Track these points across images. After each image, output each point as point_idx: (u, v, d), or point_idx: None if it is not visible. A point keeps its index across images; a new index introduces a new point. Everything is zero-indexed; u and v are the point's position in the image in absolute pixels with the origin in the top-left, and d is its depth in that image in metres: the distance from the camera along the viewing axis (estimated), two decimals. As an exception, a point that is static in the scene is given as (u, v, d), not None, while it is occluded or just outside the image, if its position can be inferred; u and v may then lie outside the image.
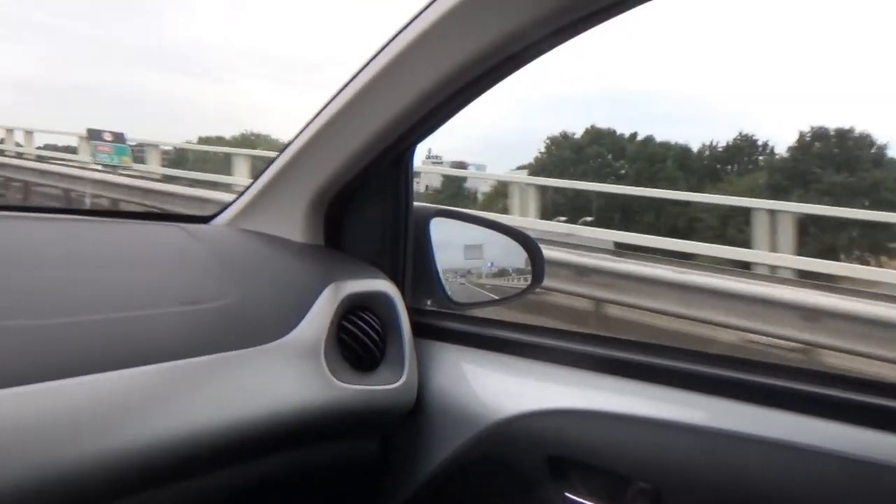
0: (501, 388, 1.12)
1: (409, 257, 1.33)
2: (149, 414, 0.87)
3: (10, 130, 18.27)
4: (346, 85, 1.17)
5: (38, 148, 17.52)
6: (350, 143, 1.19)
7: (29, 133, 17.64)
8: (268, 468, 1.04)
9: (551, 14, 0.95)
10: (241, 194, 1.43)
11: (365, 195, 1.31)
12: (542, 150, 34.58)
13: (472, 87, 1.08)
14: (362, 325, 1.14)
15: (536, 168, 30.89)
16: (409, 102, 1.11)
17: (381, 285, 1.20)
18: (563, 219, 15.31)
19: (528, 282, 1.53)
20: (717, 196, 16.76)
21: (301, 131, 1.26)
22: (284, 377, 1.02)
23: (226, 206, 1.46)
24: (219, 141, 28.32)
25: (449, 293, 1.42)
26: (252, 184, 1.41)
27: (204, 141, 27.00)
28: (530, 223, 10.11)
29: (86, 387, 0.83)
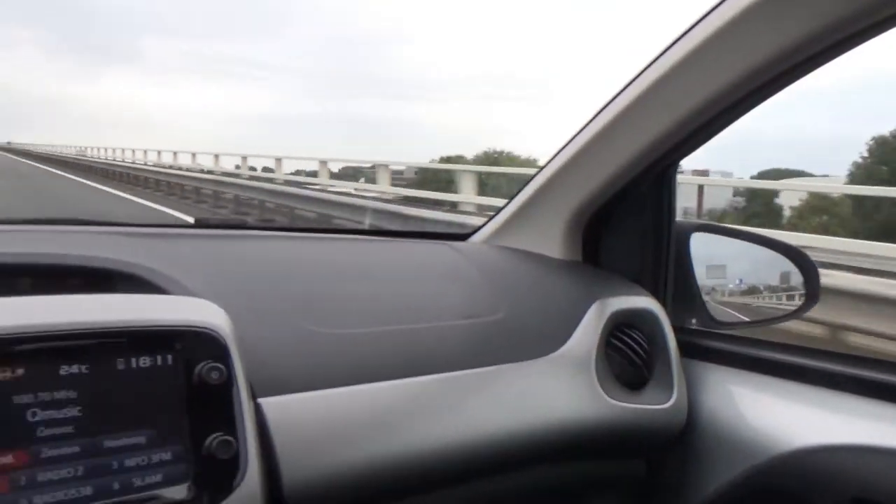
0: (784, 417, 1.04)
1: (670, 274, 1.29)
2: (437, 419, 0.93)
3: (244, 158, 20.54)
4: (608, 103, 1.17)
5: (288, 174, 19.02)
6: (613, 161, 1.19)
7: (278, 160, 19.32)
8: (534, 480, 1.06)
9: (830, 27, 0.88)
10: (497, 212, 1.48)
11: (625, 211, 1.30)
12: (866, 154, 27.69)
13: (742, 102, 1.04)
14: (629, 342, 1.12)
15: (862, 176, 25.03)
16: (677, 120, 1.08)
17: (646, 302, 1.18)
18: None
19: (801, 301, 1.41)
20: None
21: (561, 150, 1.28)
22: (557, 390, 1.04)
23: (482, 224, 1.52)
24: (459, 159, 27.26)
25: (711, 312, 1.36)
26: (509, 202, 1.46)
27: (445, 160, 26.24)
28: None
29: (386, 391, 0.90)
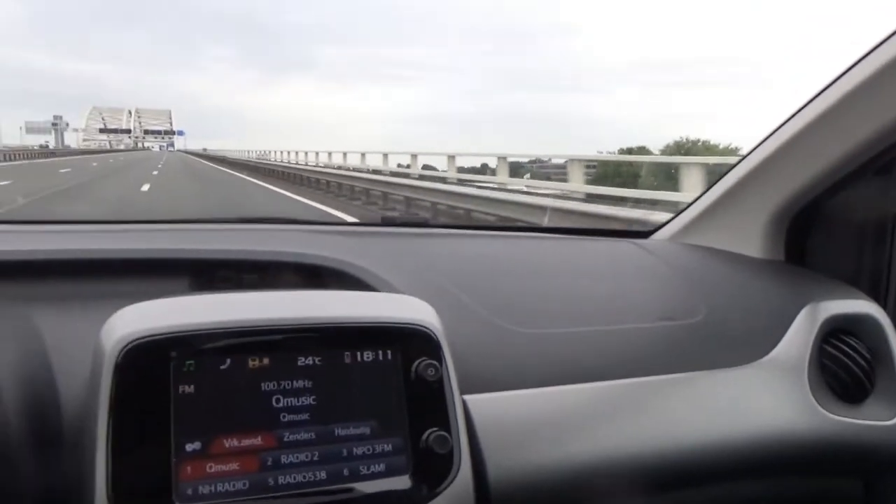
0: None
1: (893, 274, 1.17)
2: (636, 423, 0.90)
3: (414, 156, 19.80)
4: (824, 90, 1.07)
5: (460, 170, 17.72)
6: (828, 151, 1.09)
7: (451, 157, 17.88)
8: (738, 494, 0.99)
9: None
10: (685, 208, 1.42)
11: (840, 206, 1.19)
12: None
13: None
14: (847, 349, 1.02)
15: None
16: None
17: (866, 307, 1.07)
18: None
19: None
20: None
21: (766, 139, 1.18)
22: (764, 400, 0.97)
23: (666, 221, 1.46)
24: (641, 151, 24.01)
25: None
26: (699, 197, 1.38)
27: (625, 152, 23.07)
28: None
29: (586, 393, 0.89)
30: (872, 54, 1.00)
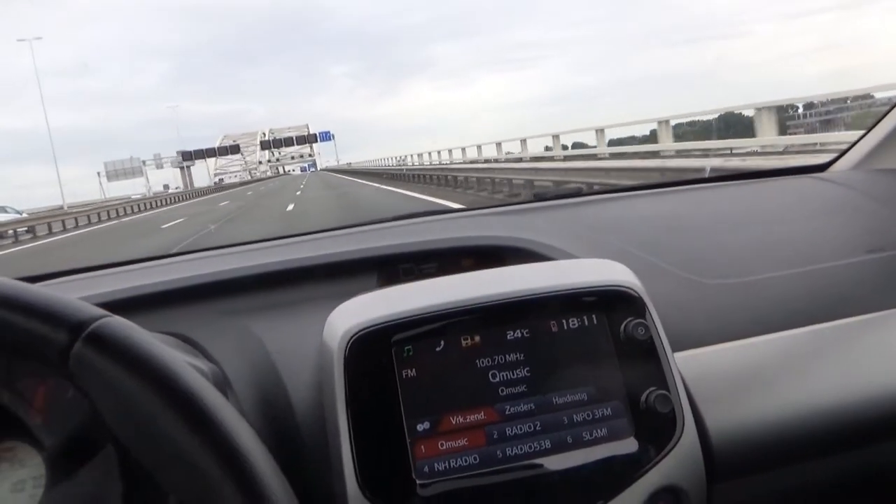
0: None
1: None
2: (856, 366, 0.84)
3: (556, 136, 18.75)
4: None
5: (611, 142, 16.15)
6: None
7: (600, 131, 16.51)
8: None
9: None
10: (864, 135, 1.32)
11: None
12: None
13: None
14: None
15: None
16: None
17: None
18: None
19: None
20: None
21: None
22: None
23: (842, 152, 1.37)
24: None
25: None
26: (879, 121, 1.29)
27: None
28: None
29: (795, 339, 0.85)
30: None
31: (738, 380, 0.82)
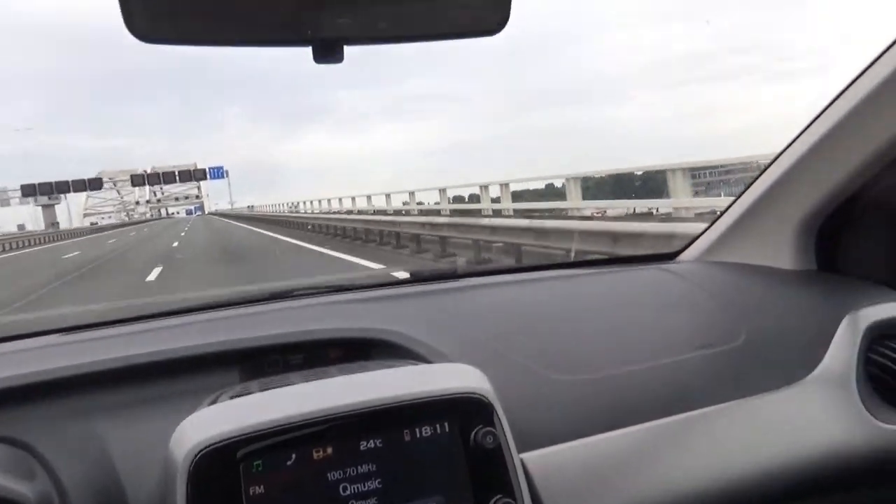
0: None
1: None
2: (691, 459, 0.90)
3: (443, 190, 18.61)
4: (838, 96, 1.07)
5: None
6: (852, 156, 1.09)
7: (483, 187, 16.59)
8: None
9: None
10: (710, 226, 1.41)
11: (867, 209, 1.19)
12: None
13: None
14: (893, 355, 1.02)
15: None
16: None
17: None
18: None
19: None
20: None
21: (786, 149, 1.18)
22: (817, 418, 0.97)
23: (691, 240, 1.46)
24: None
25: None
26: (723, 214, 1.38)
27: None
28: None
29: (635, 436, 0.90)
30: (891, 51, 1.00)
31: (584, 477, 0.85)
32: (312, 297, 1.21)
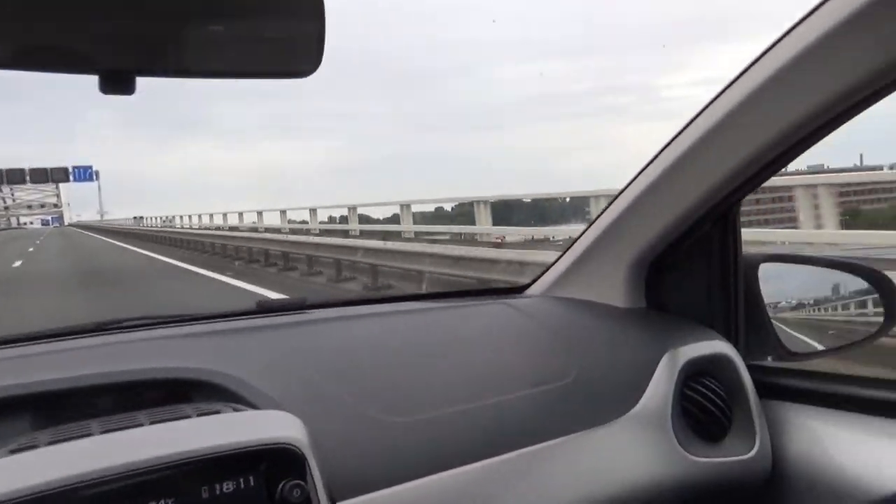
0: (878, 457, 0.99)
1: (741, 312, 1.25)
2: (517, 499, 0.91)
3: (353, 208, 18.84)
4: (669, 143, 1.14)
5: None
6: (678, 201, 1.16)
7: (353, 209, 17.45)
8: None
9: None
10: (556, 261, 1.46)
11: (689, 252, 1.27)
12: None
13: (815, 134, 1.01)
14: (705, 391, 1.09)
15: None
16: (748, 156, 1.05)
17: (718, 346, 1.14)
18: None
19: (878, 322, 1.36)
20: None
21: (622, 192, 1.25)
22: (635, 453, 1.01)
23: (540, 273, 1.50)
24: None
25: (785, 344, 1.32)
26: (569, 249, 1.42)
27: None
28: None
29: (463, 477, 0.89)
30: (700, 117, 1.08)
31: None
32: (139, 331, 1.11)
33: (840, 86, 0.91)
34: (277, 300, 1.37)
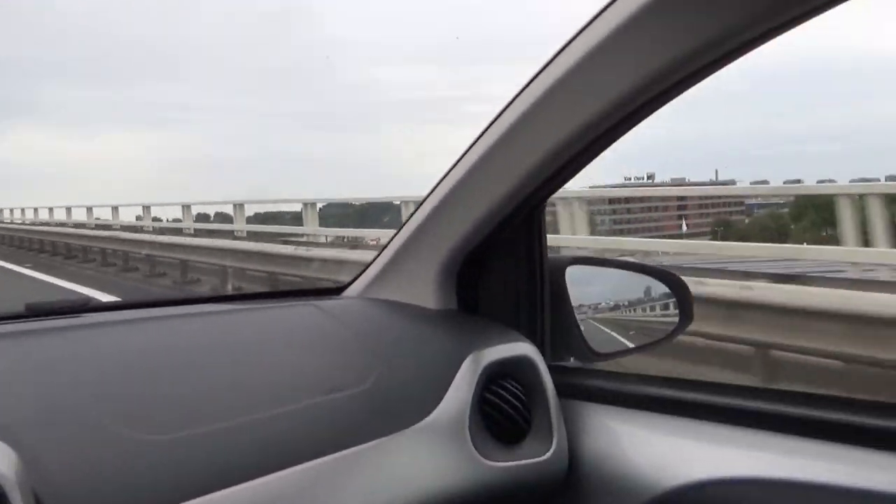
0: (666, 453, 1.03)
1: (546, 313, 1.27)
2: None
3: (187, 207, 18.79)
4: (473, 144, 1.13)
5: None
6: (482, 202, 1.15)
7: (187, 207, 17.86)
8: None
9: (692, 52, 0.87)
10: (372, 261, 1.42)
11: (497, 253, 1.27)
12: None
13: (611, 132, 1.03)
14: (505, 394, 1.08)
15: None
16: (545, 156, 1.06)
17: (521, 348, 1.14)
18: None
19: (675, 322, 1.43)
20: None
21: (430, 193, 1.23)
22: (430, 461, 0.98)
23: (358, 273, 1.46)
24: None
25: (590, 344, 1.36)
26: (383, 250, 1.39)
27: None
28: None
29: (240, 497, 0.82)
30: (504, 114, 1.07)
31: None
32: None
33: (625, 86, 0.93)
34: (54, 302, 1.17)
